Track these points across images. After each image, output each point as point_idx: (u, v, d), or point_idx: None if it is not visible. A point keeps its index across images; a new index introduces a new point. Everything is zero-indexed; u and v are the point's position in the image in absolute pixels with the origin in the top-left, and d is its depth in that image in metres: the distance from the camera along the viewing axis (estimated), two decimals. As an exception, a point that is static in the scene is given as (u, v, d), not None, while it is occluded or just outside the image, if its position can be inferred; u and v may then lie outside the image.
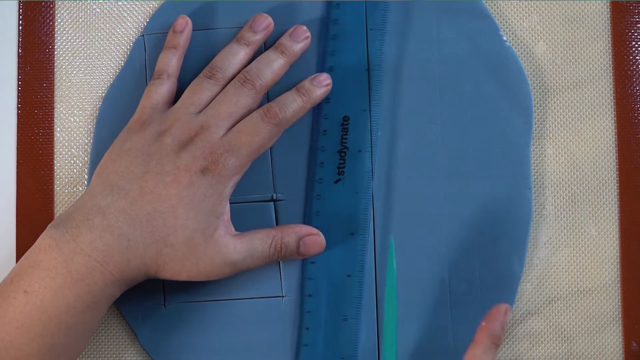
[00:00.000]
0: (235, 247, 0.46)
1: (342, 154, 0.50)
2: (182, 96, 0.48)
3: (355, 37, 0.50)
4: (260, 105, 0.48)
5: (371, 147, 0.50)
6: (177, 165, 0.45)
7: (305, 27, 0.49)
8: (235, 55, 0.49)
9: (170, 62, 0.49)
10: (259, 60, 0.49)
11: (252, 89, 0.47)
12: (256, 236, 0.47)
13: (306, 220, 0.50)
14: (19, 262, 0.45)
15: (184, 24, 0.50)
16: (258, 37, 0.49)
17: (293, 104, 0.48)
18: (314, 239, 0.48)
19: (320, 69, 0.50)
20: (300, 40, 0.49)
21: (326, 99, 0.50)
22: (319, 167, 0.50)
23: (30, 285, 0.43)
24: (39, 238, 0.45)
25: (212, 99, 0.48)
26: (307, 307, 0.50)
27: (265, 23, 0.49)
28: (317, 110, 0.50)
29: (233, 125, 0.47)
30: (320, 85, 0.49)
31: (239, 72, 0.48)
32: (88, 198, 0.46)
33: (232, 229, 0.47)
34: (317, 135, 0.50)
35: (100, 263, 0.44)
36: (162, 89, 0.48)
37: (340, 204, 0.50)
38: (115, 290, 0.45)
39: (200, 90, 0.48)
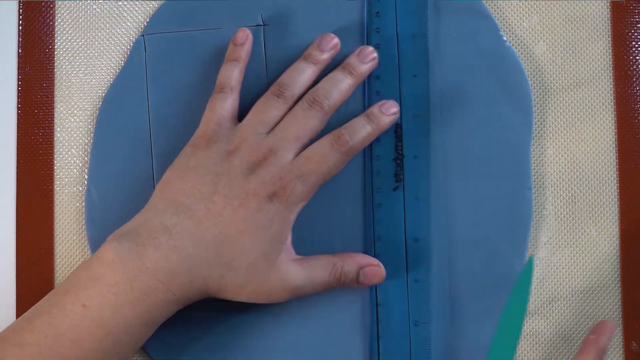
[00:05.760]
0: (296, 273, 0.46)
1: (399, 162, 0.50)
2: (249, 114, 0.48)
3: (399, 44, 0.50)
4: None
5: (429, 152, 0.50)
6: (245, 190, 0.45)
7: (372, 48, 0.49)
8: (302, 74, 0.48)
9: (233, 74, 0.49)
10: (326, 81, 0.48)
11: (320, 110, 0.47)
12: (316, 263, 0.47)
13: (368, 230, 0.50)
14: (75, 271, 0.45)
15: (245, 37, 0.49)
16: (325, 57, 0.49)
17: (362, 131, 0.47)
18: (374, 269, 0.48)
19: (367, 78, 0.50)
20: (367, 61, 0.49)
21: None
22: (376, 176, 0.50)
23: (90, 299, 0.43)
24: (101, 250, 0.44)
25: (280, 118, 0.47)
26: (379, 316, 0.50)
27: (333, 43, 0.49)
28: None
29: (301, 148, 0.46)
30: (389, 113, 0.48)
31: (306, 90, 0.48)
32: (152, 214, 0.45)
33: (293, 253, 0.47)
34: (371, 144, 0.50)
35: (163, 283, 0.44)
36: (225, 103, 0.48)
37: (401, 211, 0.50)
38: (173, 309, 0.45)
39: (267, 109, 0.47)
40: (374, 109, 0.48)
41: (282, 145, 0.46)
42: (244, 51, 0.49)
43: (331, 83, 0.48)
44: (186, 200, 0.45)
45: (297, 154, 0.46)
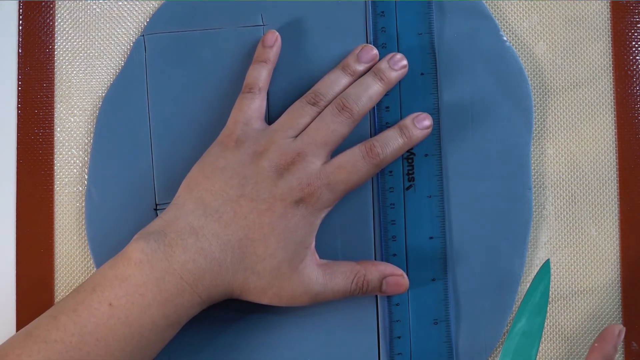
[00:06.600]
0: (318, 278, 0.46)
1: (410, 160, 0.50)
2: (280, 118, 0.48)
3: (405, 43, 0.50)
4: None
5: (440, 150, 0.50)
6: (273, 194, 0.45)
7: (402, 55, 0.49)
8: (338, 84, 0.48)
9: (261, 75, 0.49)
10: (357, 86, 0.48)
11: (349, 117, 0.47)
12: (339, 269, 0.47)
13: (382, 230, 0.50)
14: (100, 269, 0.45)
15: (274, 39, 0.49)
16: (362, 69, 0.49)
17: (394, 143, 0.47)
18: (397, 279, 0.48)
19: None
20: (398, 68, 0.49)
21: (385, 107, 0.50)
22: (388, 176, 0.50)
23: (117, 299, 0.43)
24: (128, 249, 0.44)
25: (310, 123, 0.47)
26: (396, 316, 0.50)
27: (372, 54, 0.49)
28: (379, 118, 0.50)
29: (329, 153, 0.47)
30: (421, 126, 0.48)
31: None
32: (180, 214, 0.45)
33: (317, 257, 0.47)
34: None
35: (190, 285, 0.44)
36: (253, 104, 0.48)
37: (414, 209, 0.50)
38: (197, 310, 0.45)
39: (300, 115, 0.47)
40: (407, 121, 0.48)
41: (310, 151, 0.46)
42: (273, 53, 0.49)
43: (362, 89, 0.48)
44: (214, 202, 0.45)
45: (326, 160, 0.46)
